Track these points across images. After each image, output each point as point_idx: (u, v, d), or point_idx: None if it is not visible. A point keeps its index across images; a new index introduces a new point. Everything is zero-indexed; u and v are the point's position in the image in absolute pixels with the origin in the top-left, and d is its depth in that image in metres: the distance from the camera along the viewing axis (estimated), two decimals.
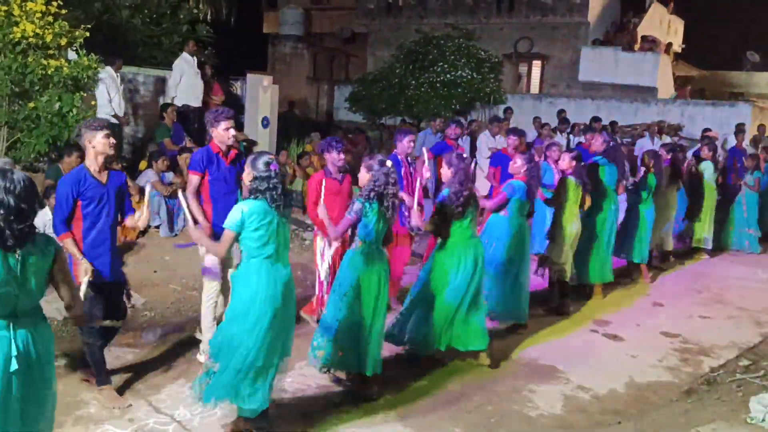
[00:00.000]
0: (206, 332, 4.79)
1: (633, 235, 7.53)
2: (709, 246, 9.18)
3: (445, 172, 4.96)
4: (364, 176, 4.38)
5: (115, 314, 4.22)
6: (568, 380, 4.99)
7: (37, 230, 2.72)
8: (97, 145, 4.03)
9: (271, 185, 3.57)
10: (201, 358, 4.78)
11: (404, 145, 6.13)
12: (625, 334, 6.05)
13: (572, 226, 6.31)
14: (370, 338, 4.35)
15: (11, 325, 2.65)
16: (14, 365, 2.62)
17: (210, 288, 4.78)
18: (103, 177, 4.10)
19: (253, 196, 3.60)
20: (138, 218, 4.18)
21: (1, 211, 2.56)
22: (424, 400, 4.48)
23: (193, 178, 4.72)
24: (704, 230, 9.08)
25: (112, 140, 4.11)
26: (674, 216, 8.44)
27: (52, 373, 2.86)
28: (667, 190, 8.01)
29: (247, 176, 3.71)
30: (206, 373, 3.71)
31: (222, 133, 4.71)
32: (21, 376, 2.66)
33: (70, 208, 4.00)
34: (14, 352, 2.62)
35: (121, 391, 4.28)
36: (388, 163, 4.33)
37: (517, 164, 5.75)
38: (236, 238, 3.60)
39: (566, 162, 6.32)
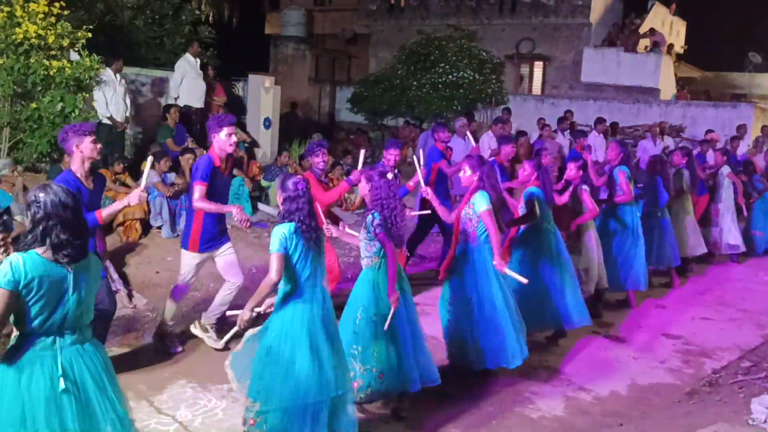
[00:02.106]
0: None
1: (653, 242, 7.28)
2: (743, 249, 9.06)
3: (469, 177, 4.84)
4: (364, 187, 4.33)
5: (105, 307, 4.26)
6: (569, 382, 4.99)
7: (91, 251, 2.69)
8: (84, 150, 4.03)
9: (300, 205, 3.54)
10: (196, 331, 5.14)
11: (389, 157, 6.13)
12: (627, 336, 6.04)
13: (592, 234, 6.23)
14: (412, 351, 4.18)
15: (57, 342, 2.58)
16: (62, 385, 2.54)
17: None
18: (90, 183, 4.13)
19: (287, 219, 3.56)
20: (132, 197, 4.04)
21: (59, 226, 2.52)
22: (424, 402, 4.47)
23: (201, 189, 4.67)
24: (727, 234, 8.97)
25: (99, 145, 4.13)
26: (690, 221, 8.17)
27: (113, 395, 2.74)
28: (683, 195, 7.91)
29: (278, 198, 3.68)
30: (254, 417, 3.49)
31: (224, 140, 4.72)
32: (73, 398, 2.58)
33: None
34: (59, 372, 2.55)
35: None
36: (389, 174, 4.28)
37: (527, 171, 5.59)
38: (286, 260, 3.48)
39: (573, 172, 6.22)
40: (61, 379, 2.54)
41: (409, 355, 4.16)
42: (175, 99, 9.42)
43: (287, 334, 3.49)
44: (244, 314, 3.60)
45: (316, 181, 5.45)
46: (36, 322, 2.53)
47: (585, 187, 6.18)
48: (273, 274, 3.46)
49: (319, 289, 3.60)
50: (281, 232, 3.50)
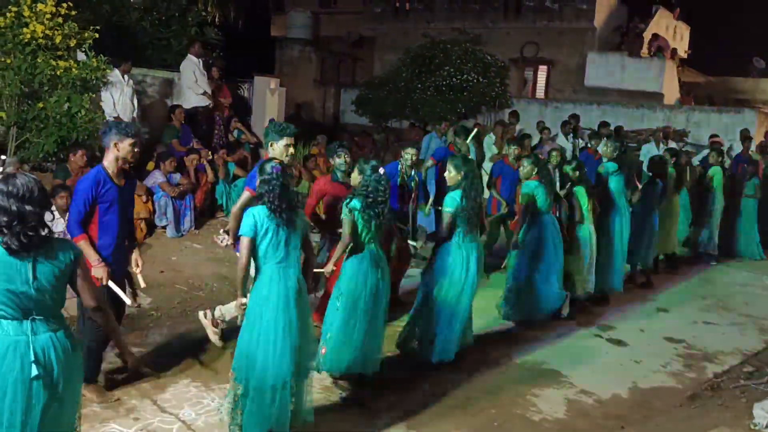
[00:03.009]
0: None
1: (641, 242, 7.44)
2: (716, 252, 9.16)
3: (453, 176, 4.97)
4: (355, 177, 4.51)
5: (117, 310, 4.29)
6: (571, 385, 5.00)
7: (53, 234, 2.67)
8: (122, 150, 4.09)
9: (271, 187, 3.63)
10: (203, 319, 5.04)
11: (407, 156, 6.25)
12: (629, 339, 6.05)
13: (589, 235, 6.29)
14: (369, 340, 4.42)
15: (31, 328, 2.59)
16: (34, 371, 2.55)
17: None
18: (121, 180, 4.17)
19: (260, 201, 3.66)
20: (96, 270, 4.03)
21: (4, 217, 2.53)
22: (427, 404, 4.50)
23: (247, 196, 4.62)
24: (712, 236, 9.07)
25: (137, 150, 4.17)
26: (678, 221, 8.41)
27: (77, 388, 2.77)
28: (670, 196, 8.00)
29: (256, 182, 3.78)
30: (234, 399, 3.65)
31: (281, 149, 4.67)
32: (42, 385, 2.58)
33: (87, 210, 4.02)
34: (32, 357, 2.55)
35: (126, 389, 4.32)
36: (381, 170, 4.43)
37: (527, 168, 5.87)
38: (253, 243, 3.63)
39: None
40: (33, 366, 2.55)
41: (360, 339, 4.37)
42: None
43: (261, 315, 3.60)
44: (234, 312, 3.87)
45: (335, 184, 5.57)
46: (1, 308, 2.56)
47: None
48: (242, 260, 3.66)
49: (293, 271, 3.68)
50: (252, 214, 3.64)
